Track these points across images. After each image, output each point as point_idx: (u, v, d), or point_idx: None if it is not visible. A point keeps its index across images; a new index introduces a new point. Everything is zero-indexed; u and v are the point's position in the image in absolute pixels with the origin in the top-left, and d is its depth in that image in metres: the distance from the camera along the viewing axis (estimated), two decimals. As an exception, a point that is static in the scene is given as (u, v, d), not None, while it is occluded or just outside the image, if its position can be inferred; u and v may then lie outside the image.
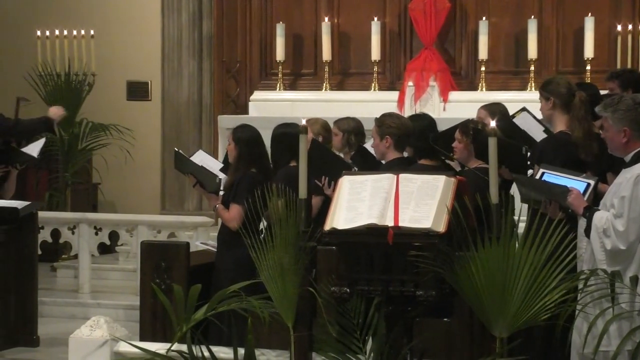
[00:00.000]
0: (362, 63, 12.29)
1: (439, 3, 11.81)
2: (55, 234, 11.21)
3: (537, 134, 7.38)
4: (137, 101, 13.53)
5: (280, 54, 12.26)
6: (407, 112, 10.99)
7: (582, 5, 11.67)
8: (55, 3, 13.65)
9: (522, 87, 11.71)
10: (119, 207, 13.46)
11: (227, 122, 11.37)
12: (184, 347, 5.28)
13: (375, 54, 11.98)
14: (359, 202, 4.93)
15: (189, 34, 13.04)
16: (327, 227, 4.92)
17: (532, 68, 11.63)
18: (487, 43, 11.69)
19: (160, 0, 13.16)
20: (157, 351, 5.39)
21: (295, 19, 12.55)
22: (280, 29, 12.26)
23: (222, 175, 7.54)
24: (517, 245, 4.81)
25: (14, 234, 8.98)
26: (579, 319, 5.56)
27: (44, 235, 11.01)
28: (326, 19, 12.26)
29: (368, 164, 7.52)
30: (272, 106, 12.03)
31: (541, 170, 6.25)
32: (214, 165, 7.85)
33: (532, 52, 11.59)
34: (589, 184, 6.07)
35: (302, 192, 5.19)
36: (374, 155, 7.53)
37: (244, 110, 12.50)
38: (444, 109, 11.64)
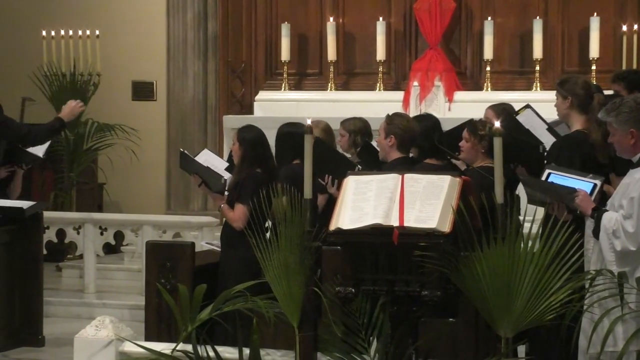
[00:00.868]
0: (367, 63, 12.28)
1: (444, 3, 11.80)
2: (61, 234, 11.21)
3: (541, 131, 7.37)
4: (142, 101, 13.54)
5: (285, 54, 12.26)
6: (412, 112, 10.99)
7: (587, 5, 11.65)
8: (60, 3, 13.65)
9: (528, 87, 11.70)
10: (124, 207, 13.46)
11: (233, 122, 11.37)
12: (189, 347, 5.28)
13: (381, 54, 11.98)
14: (364, 202, 4.93)
15: (194, 34, 13.04)
16: (332, 227, 4.92)
17: (538, 68, 11.62)
18: (493, 43, 11.68)
19: (165, 0, 13.17)
20: (162, 351, 5.39)
21: (300, 19, 12.54)
22: (285, 29, 12.26)
23: (227, 175, 7.54)
24: (522, 245, 4.80)
25: (20, 234, 8.99)
26: (584, 320, 5.54)
27: (50, 235, 11.01)
28: (331, 19, 12.25)
29: (375, 160, 7.50)
30: (277, 106, 12.03)
31: (547, 171, 6.23)
32: (219, 164, 7.85)
33: (538, 52, 11.58)
34: (595, 185, 6.05)
35: (307, 192, 5.19)
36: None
37: (249, 110, 12.51)
38: (449, 109, 11.62)
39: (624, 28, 11.57)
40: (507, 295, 4.76)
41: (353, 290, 4.95)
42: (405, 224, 4.79)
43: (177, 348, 5.33)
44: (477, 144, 6.88)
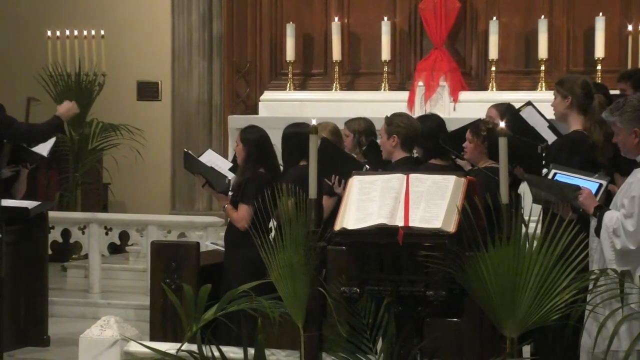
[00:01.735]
0: (372, 63, 12.29)
1: (449, 3, 11.80)
2: (66, 234, 11.22)
3: (542, 129, 7.36)
4: (147, 101, 13.55)
5: (290, 54, 12.26)
6: (417, 112, 11.00)
7: (592, 5, 11.65)
8: (65, 4, 13.67)
9: (533, 87, 11.70)
10: (129, 207, 13.48)
11: (237, 122, 11.38)
12: (194, 347, 5.28)
13: (386, 54, 11.98)
14: (369, 202, 4.92)
15: (199, 34, 13.04)
16: (337, 227, 4.91)
17: (543, 68, 11.62)
18: (498, 43, 11.68)
19: (170, 0, 13.18)
20: (167, 351, 5.39)
21: (306, 19, 12.55)
22: (290, 29, 12.27)
23: (231, 175, 7.54)
24: (527, 245, 4.79)
25: (25, 234, 8.99)
26: (589, 320, 5.54)
27: (55, 235, 11.02)
28: (336, 19, 12.25)
29: (382, 159, 7.49)
30: (282, 106, 12.03)
31: (553, 171, 6.22)
32: (223, 164, 7.85)
33: (543, 52, 11.58)
34: (600, 184, 6.05)
35: (312, 192, 5.18)
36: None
37: (254, 110, 12.51)
38: (454, 109, 11.63)
39: (630, 28, 11.57)
40: (512, 296, 4.75)
41: (358, 290, 4.94)
42: (410, 224, 4.78)
43: (182, 348, 5.33)
44: (479, 145, 6.89)
